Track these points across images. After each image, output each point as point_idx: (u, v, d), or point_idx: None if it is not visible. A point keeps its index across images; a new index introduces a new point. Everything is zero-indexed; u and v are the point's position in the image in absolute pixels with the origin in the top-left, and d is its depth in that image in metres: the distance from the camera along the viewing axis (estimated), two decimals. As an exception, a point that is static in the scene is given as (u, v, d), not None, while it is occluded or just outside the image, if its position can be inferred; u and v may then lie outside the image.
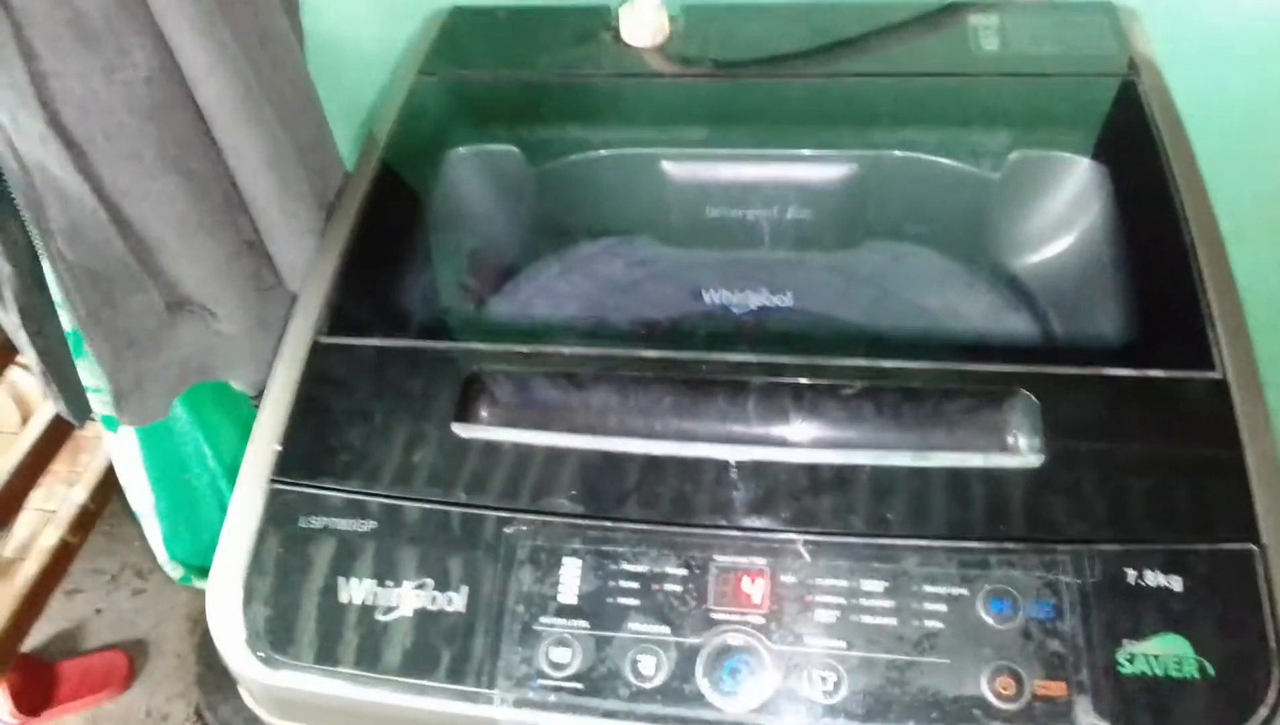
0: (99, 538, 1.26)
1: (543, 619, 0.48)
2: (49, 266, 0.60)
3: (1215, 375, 0.51)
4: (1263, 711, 0.43)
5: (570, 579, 0.49)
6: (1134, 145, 0.62)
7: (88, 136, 0.57)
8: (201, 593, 0.55)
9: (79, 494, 1.17)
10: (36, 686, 1.20)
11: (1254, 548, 0.46)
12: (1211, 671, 0.44)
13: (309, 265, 0.64)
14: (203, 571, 0.98)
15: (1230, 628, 0.44)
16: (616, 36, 0.75)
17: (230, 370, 0.73)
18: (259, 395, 0.74)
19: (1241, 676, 0.44)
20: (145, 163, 0.59)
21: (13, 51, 0.52)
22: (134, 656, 1.27)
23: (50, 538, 1.13)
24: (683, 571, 0.49)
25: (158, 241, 0.63)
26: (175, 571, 0.98)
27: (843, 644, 0.46)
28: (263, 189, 0.63)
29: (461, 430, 0.54)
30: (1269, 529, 0.46)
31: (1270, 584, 0.45)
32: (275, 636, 0.50)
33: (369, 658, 0.49)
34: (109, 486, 1.13)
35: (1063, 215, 0.63)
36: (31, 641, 1.18)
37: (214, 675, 1.21)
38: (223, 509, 0.94)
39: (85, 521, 1.17)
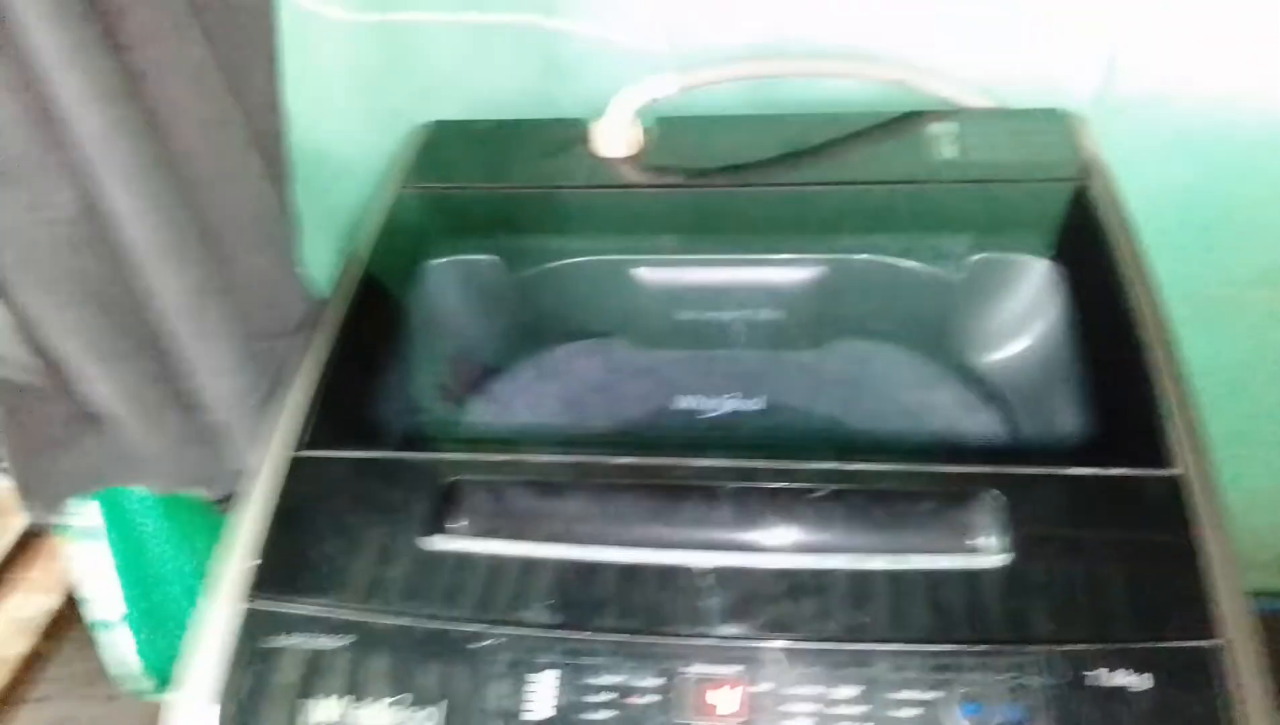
0: (70, 644, 1.23)
1: (517, 734, 0.48)
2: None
3: (1172, 472, 0.52)
4: (1234, 812, 0.43)
5: (544, 693, 0.49)
6: (1088, 247, 0.65)
7: (5, 264, 0.57)
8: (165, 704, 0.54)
9: (51, 600, 1.16)
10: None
11: (1217, 643, 0.47)
12: (1182, 773, 0.44)
13: (233, 398, 0.65)
14: (166, 685, 0.96)
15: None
16: (591, 148, 0.78)
17: (149, 480, 0.73)
18: (220, 501, 0.75)
19: (1213, 777, 0.44)
20: (59, 294, 0.59)
21: None
22: None
23: (20, 646, 1.12)
24: (658, 681, 0.49)
25: (70, 364, 0.63)
26: (146, 684, 0.96)
27: (818, 752, 0.46)
28: (182, 326, 0.63)
29: (435, 542, 0.54)
30: (1230, 624, 0.47)
31: (1235, 680, 0.46)
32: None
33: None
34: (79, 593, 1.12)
35: (1023, 316, 0.65)
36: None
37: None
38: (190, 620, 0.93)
39: (57, 629, 1.15)
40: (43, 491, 0.68)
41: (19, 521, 1.11)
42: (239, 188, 0.65)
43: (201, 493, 0.75)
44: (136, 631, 0.92)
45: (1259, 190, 0.84)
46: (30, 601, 1.19)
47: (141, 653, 0.93)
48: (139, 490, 0.85)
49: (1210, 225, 0.86)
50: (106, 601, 0.90)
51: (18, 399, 0.63)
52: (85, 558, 0.88)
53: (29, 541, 1.10)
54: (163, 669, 0.96)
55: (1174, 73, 0.78)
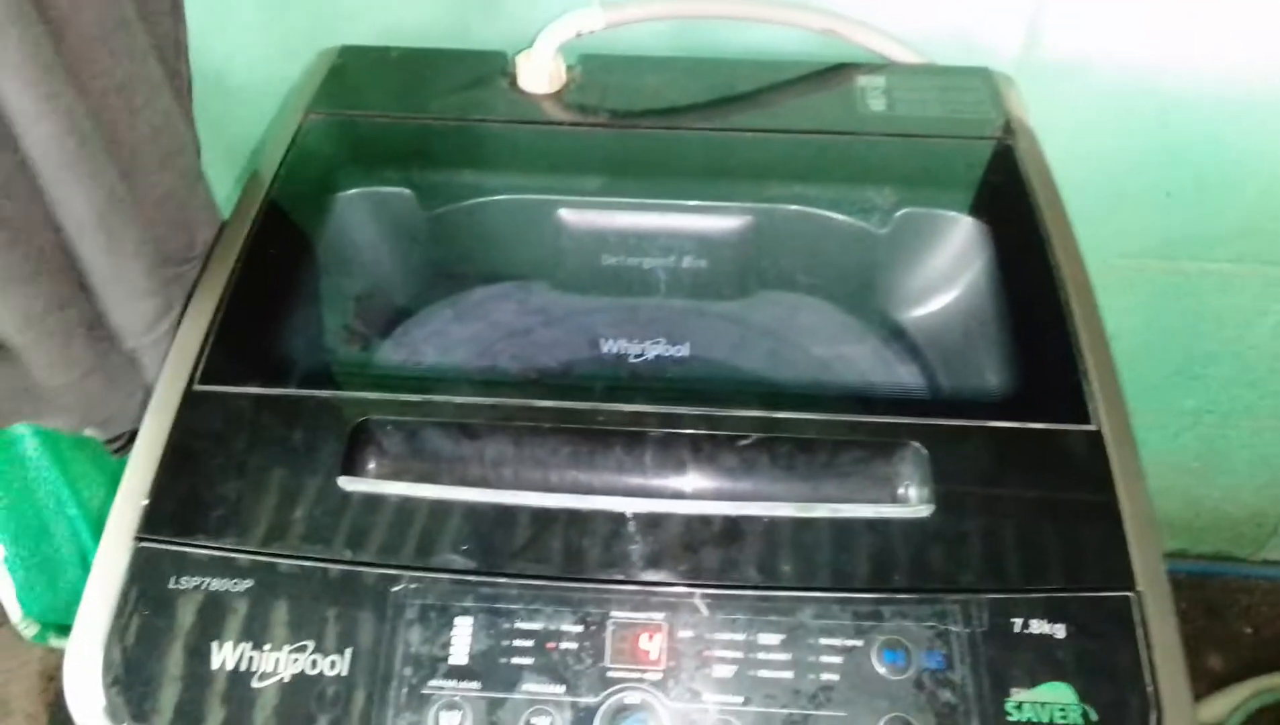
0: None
1: (431, 682, 0.46)
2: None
3: (1090, 427, 0.53)
4: (1143, 756, 0.44)
5: (461, 639, 0.47)
6: (1011, 205, 0.65)
7: None
8: (58, 650, 0.51)
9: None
10: None
11: (1130, 595, 0.48)
12: (1094, 717, 0.45)
13: (145, 325, 0.61)
14: (61, 629, 0.92)
15: (1111, 674, 0.46)
16: (513, 83, 0.75)
17: (51, 417, 0.68)
18: (114, 440, 0.70)
19: (1123, 721, 0.45)
20: None
21: None
22: None
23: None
24: (578, 628, 0.47)
25: None
26: (29, 629, 0.91)
27: (740, 699, 0.46)
28: (90, 246, 0.58)
29: (347, 483, 0.52)
30: (1144, 576, 0.48)
31: (1146, 629, 0.47)
32: (138, 706, 0.47)
33: (237, 727, 0.46)
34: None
35: (946, 271, 0.65)
36: None
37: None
38: (84, 563, 0.89)
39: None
40: None
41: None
42: (141, 97, 0.60)
43: (100, 433, 0.70)
44: (18, 576, 0.87)
45: (1167, 161, 0.86)
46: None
47: (22, 598, 0.88)
48: (20, 428, 0.80)
49: (1117, 194, 0.88)
50: (-9, 543, 0.85)
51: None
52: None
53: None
54: (45, 614, 0.91)
55: (1096, 39, 0.79)
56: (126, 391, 0.68)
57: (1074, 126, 0.79)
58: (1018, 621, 0.47)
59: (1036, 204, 0.65)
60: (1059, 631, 0.46)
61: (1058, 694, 0.45)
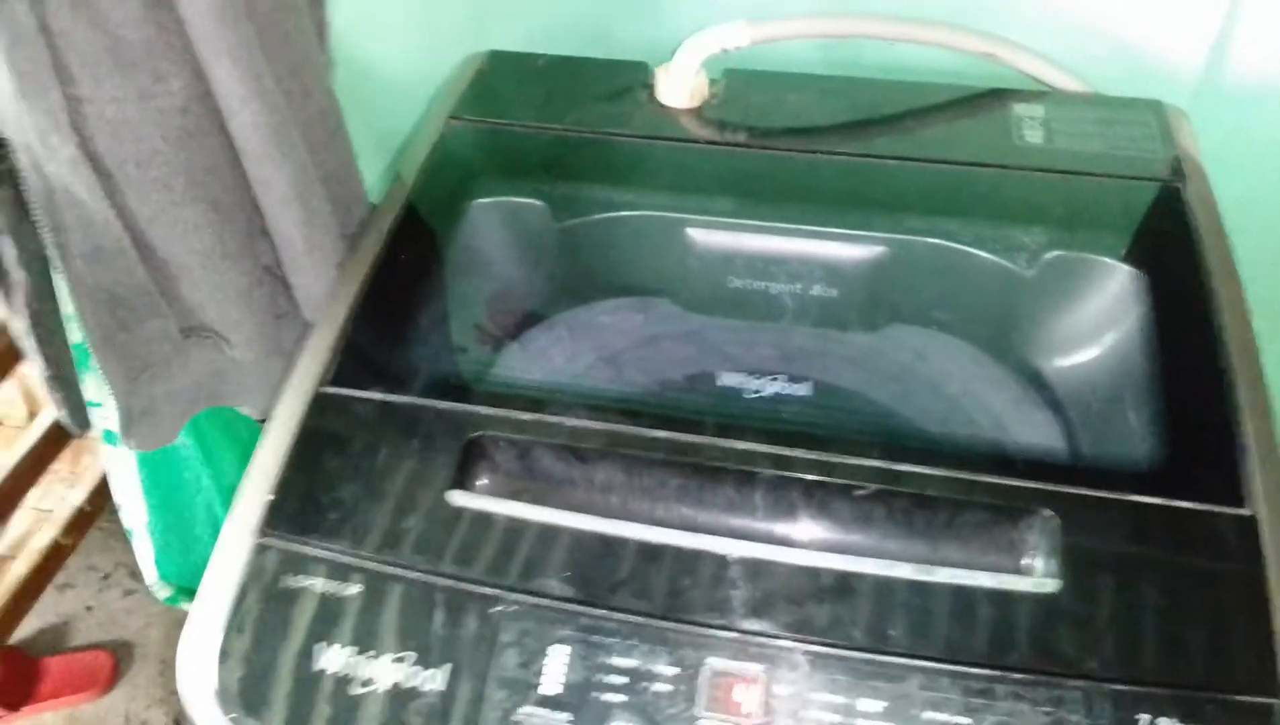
0: (96, 534, 1.26)
1: (522, 709, 0.46)
2: (64, 283, 0.59)
3: (1245, 512, 0.49)
4: None
5: (555, 668, 0.47)
6: (1175, 255, 0.60)
7: (119, 163, 0.56)
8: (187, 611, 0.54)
9: (77, 496, 1.16)
10: (19, 681, 1.19)
11: (1276, 703, 0.44)
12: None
13: (328, 297, 0.63)
14: (191, 593, 0.97)
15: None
16: (653, 96, 0.74)
17: (241, 396, 0.72)
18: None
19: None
20: (175, 191, 0.58)
21: (49, 76, 0.52)
22: (119, 659, 1.26)
23: (44, 538, 1.13)
24: (674, 670, 0.47)
25: (180, 268, 0.62)
26: (163, 591, 0.96)
27: (836, 764, 0.44)
28: (288, 220, 0.62)
29: (456, 498, 0.52)
30: (1299, 685, 0.44)
31: (1294, 745, 0.43)
32: (246, 697, 0.48)
33: (339, 730, 0.47)
34: (107, 491, 1.12)
35: (1096, 322, 0.61)
36: (18, 634, 1.17)
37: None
38: (215, 533, 0.93)
39: (81, 524, 1.16)
40: (148, 419, 0.66)
41: (50, 415, 1.11)
42: (311, 79, 0.63)
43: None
44: (156, 541, 0.92)
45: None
46: (56, 493, 1.19)
47: (159, 561, 0.93)
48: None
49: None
50: (131, 508, 0.91)
51: (117, 318, 0.60)
52: (114, 461, 0.88)
53: (58, 435, 1.10)
54: (179, 579, 0.97)
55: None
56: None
57: (1254, 166, 0.73)
58: (1144, 718, 0.43)
59: (1202, 253, 0.60)
60: (1193, 735, 0.43)
61: (1184, 804, 0.42)
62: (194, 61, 0.55)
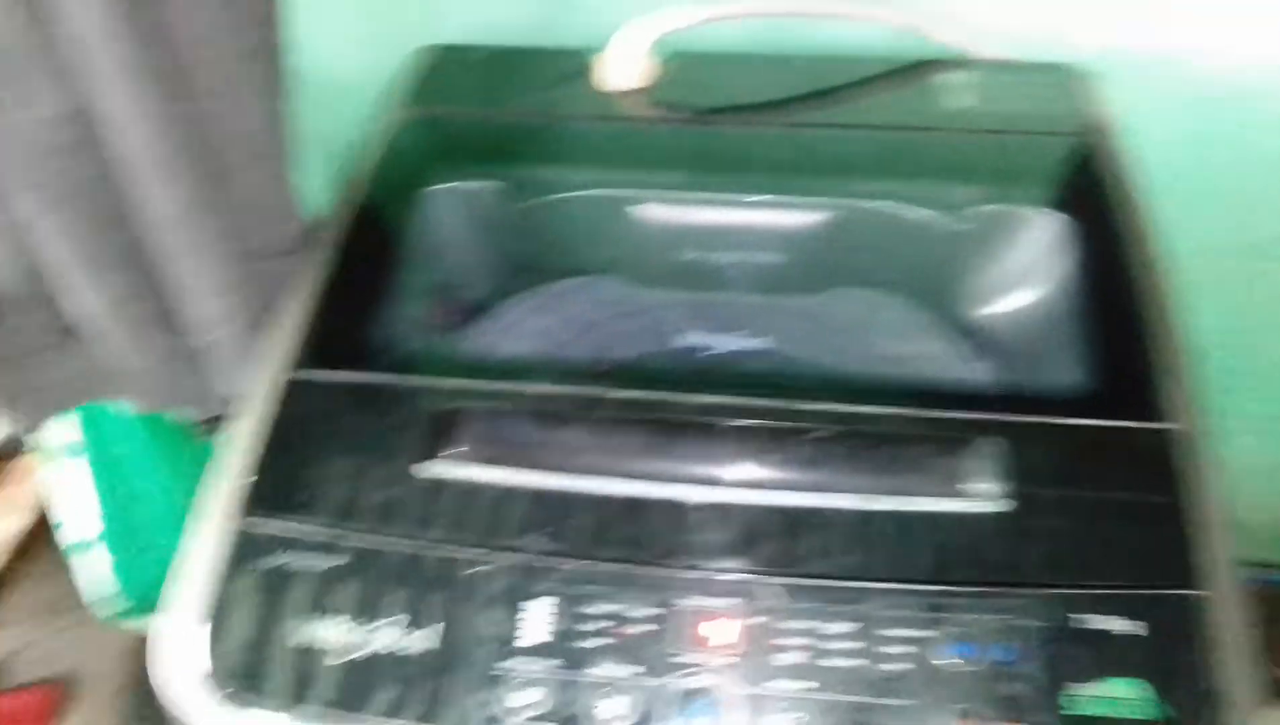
0: (32, 567, 1.23)
1: (508, 661, 0.49)
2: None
3: (1168, 426, 0.53)
4: (1213, 753, 0.44)
5: (537, 620, 0.49)
6: (1094, 201, 0.65)
7: None
8: (142, 627, 0.54)
9: (20, 521, 1.14)
10: (-45, 726, 1.16)
11: (1203, 594, 0.48)
12: (1162, 714, 0.45)
13: (216, 321, 0.64)
14: (147, 608, 0.97)
15: (1180, 672, 0.46)
16: (600, 79, 0.76)
17: (132, 397, 0.72)
18: (208, 422, 0.74)
19: (1191, 718, 0.45)
20: (47, 196, 0.58)
21: None
22: (62, 694, 1.21)
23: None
24: (652, 613, 0.49)
25: (52, 272, 0.62)
26: (118, 607, 0.95)
27: (809, 686, 0.47)
28: (173, 243, 0.62)
29: (431, 467, 0.54)
30: (1216, 576, 0.48)
31: (1217, 629, 0.47)
32: (238, 676, 0.50)
33: (335, 697, 0.48)
34: (44, 521, 1.10)
35: (1027, 267, 0.65)
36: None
37: (149, 713, 1.17)
38: (171, 543, 0.92)
39: (23, 553, 1.14)
40: (27, 403, 0.67)
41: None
42: (235, 101, 0.63)
43: (184, 413, 0.74)
44: (114, 551, 0.92)
45: (1251, 163, 0.84)
46: (-1, 522, 1.18)
47: (119, 572, 0.92)
48: (120, 407, 0.84)
49: (1203, 190, 0.86)
50: (83, 521, 0.90)
51: (1, 308, 0.61)
52: (62, 476, 0.87)
53: (-1, 462, 1.08)
54: (140, 590, 0.96)
55: (1181, 34, 0.77)
56: (205, 379, 0.71)
57: (1157, 123, 0.77)
58: (1089, 618, 0.47)
59: (1119, 200, 0.64)
60: (1130, 629, 0.47)
61: (1126, 690, 0.46)
62: (76, 77, 0.55)
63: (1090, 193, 0.65)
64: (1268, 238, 0.90)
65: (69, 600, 1.28)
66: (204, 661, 0.50)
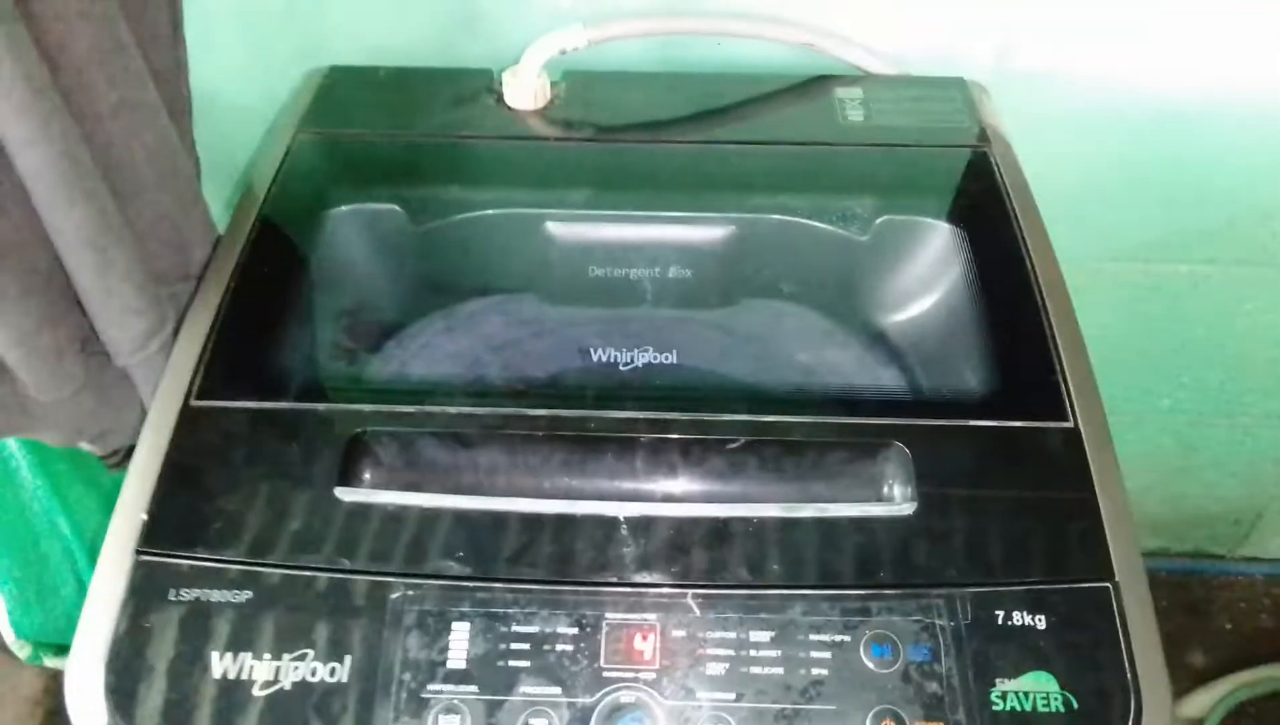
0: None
1: (430, 686, 0.47)
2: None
3: (1068, 424, 0.55)
4: (1124, 740, 0.46)
5: (459, 643, 0.48)
6: (988, 211, 0.67)
7: None
8: (48, 672, 0.52)
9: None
10: None
11: (1109, 585, 0.49)
12: (1075, 704, 0.46)
13: (136, 343, 0.62)
14: (55, 649, 0.92)
15: (1091, 662, 0.47)
16: (499, 100, 0.76)
17: (43, 432, 0.69)
18: (110, 455, 0.71)
19: (1103, 708, 0.46)
20: None
21: None
22: None
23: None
24: (574, 630, 0.49)
25: None
26: (23, 650, 0.91)
27: (732, 695, 0.47)
28: (82, 266, 0.59)
29: (343, 494, 0.53)
30: (1121, 567, 0.50)
31: (1124, 619, 0.48)
32: (140, 718, 0.47)
33: (246, 735, 0.47)
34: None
35: (926, 276, 0.67)
36: None
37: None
38: (78, 582, 0.89)
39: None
40: None
41: None
42: (137, 121, 0.61)
43: (95, 448, 0.71)
44: (10, 595, 0.87)
45: (1138, 168, 0.88)
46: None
47: (15, 618, 0.88)
48: (12, 445, 0.80)
49: (1090, 199, 0.90)
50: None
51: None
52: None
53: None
54: (39, 635, 0.91)
55: (1066, 52, 0.81)
56: (119, 408, 0.69)
57: (1047, 135, 0.81)
58: (1000, 614, 0.48)
59: (1012, 209, 0.67)
60: (1040, 622, 0.48)
61: (1040, 683, 0.47)
62: None
63: (984, 203, 0.68)
64: (1150, 241, 0.95)
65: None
66: (103, 708, 0.48)
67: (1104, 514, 0.51)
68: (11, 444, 0.81)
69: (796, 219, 0.69)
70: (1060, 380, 0.57)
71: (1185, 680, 1.23)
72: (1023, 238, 0.65)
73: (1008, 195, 0.67)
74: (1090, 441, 0.54)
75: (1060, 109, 0.84)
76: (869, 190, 0.70)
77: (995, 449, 0.54)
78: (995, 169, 0.70)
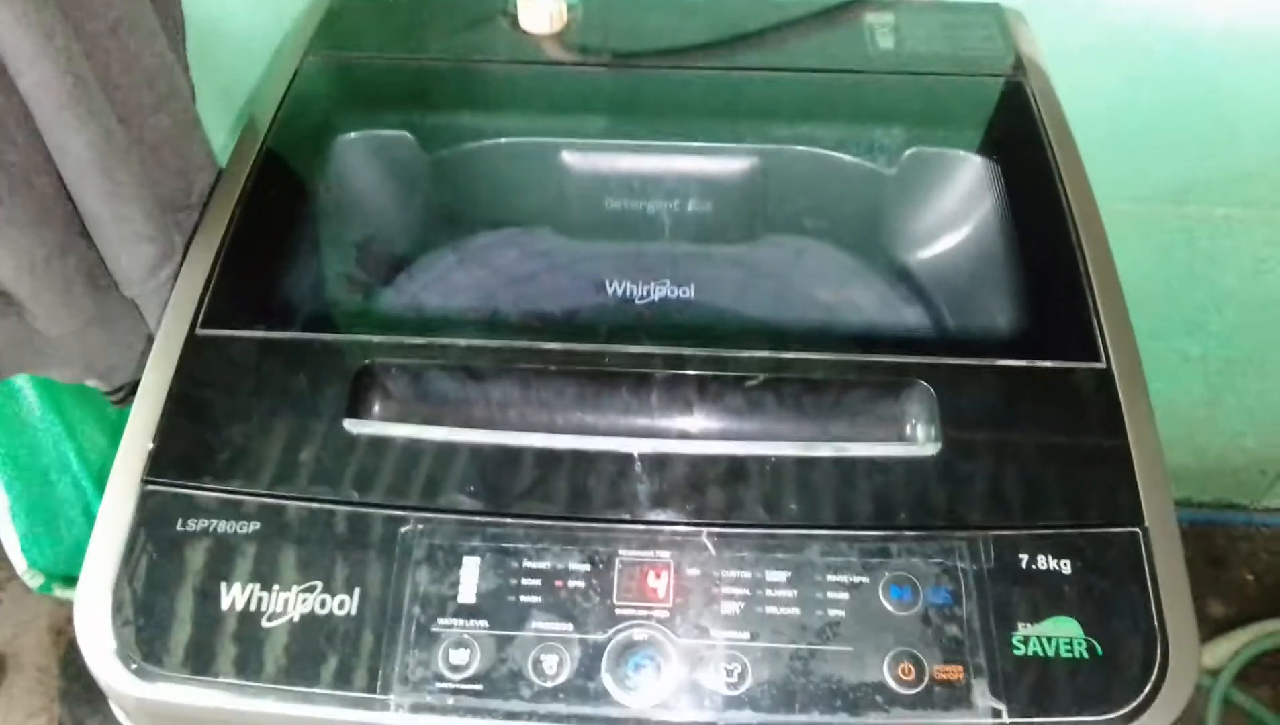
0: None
1: (440, 620, 0.47)
2: None
3: (1100, 365, 0.53)
4: (1147, 687, 0.44)
5: (469, 578, 0.47)
6: (1023, 144, 0.64)
7: None
8: (64, 602, 0.51)
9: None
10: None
11: (1138, 531, 0.48)
12: (1100, 651, 0.45)
13: (146, 270, 0.60)
14: (65, 579, 0.93)
15: (1117, 609, 0.46)
16: (514, 23, 0.73)
17: (55, 367, 0.68)
18: (115, 392, 0.70)
19: (1128, 655, 0.45)
20: None
21: None
22: None
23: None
24: (586, 567, 0.48)
25: None
26: (34, 580, 0.92)
27: (746, 635, 0.46)
28: (90, 190, 0.58)
29: (353, 426, 0.51)
30: (1152, 513, 0.48)
31: (1153, 565, 0.47)
32: (149, 646, 0.47)
33: (252, 666, 0.46)
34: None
35: (956, 211, 0.64)
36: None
37: (79, 689, 1.14)
38: (86, 513, 0.89)
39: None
40: None
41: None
42: (135, 41, 0.59)
43: (101, 384, 0.70)
44: (21, 526, 0.87)
45: (1176, 104, 0.85)
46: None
47: (26, 549, 0.88)
48: (21, 380, 0.80)
49: (1125, 136, 0.87)
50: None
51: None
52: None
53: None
54: (50, 565, 0.92)
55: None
56: (127, 341, 0.68)
57: (1083, 66, 0.77)
58: (1024, 557, 0.47)
59: (1048, 142, 0.64)
60: (1065, 567, 0.47)
61: (1063, 628, 0.45)
62: None
63: (1019, 135, 0.65)
64: (1184, 182, 0.91)
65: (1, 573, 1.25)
66: (110, 635, 0.47)
67: (1135, 458, 0.50)
68: (20, 379, 0.81)
69: (821, 150, 0.67)
70: (1094, 319, 0.55)
71: (1204, 630, 1.22)
72: (1058, 172, 0.62)
73: (1043, 127, 0.65)
74: (1123, 383, 0.52)
75: (1097, 38, 0.80)
76: (897, 121, 0.67)
77: (1023, 389, 0.52)
78: (1031, 100, 0.67)
